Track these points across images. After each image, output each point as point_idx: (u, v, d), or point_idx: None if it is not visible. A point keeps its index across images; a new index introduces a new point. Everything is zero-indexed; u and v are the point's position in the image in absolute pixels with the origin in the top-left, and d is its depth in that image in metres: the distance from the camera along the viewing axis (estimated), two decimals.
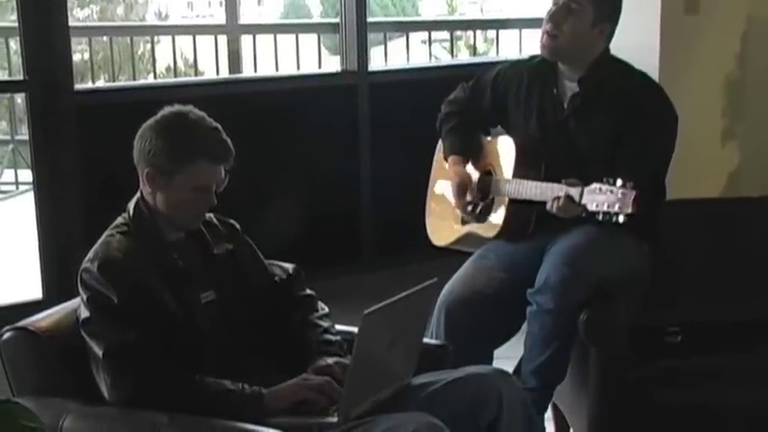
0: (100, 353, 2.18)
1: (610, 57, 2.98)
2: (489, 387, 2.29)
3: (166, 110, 2.32)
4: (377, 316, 2.09)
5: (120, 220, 2.35)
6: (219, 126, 2.31)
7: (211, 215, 2.43)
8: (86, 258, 2.27)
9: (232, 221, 2.50)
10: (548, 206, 2.76)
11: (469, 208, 3.07)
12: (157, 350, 2.19)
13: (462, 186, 3.06)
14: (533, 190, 2.86)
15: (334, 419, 2.14)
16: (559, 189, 2.72)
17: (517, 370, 2.97)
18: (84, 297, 2.24)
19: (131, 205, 2.34)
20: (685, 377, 2.83)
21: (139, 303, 2.20)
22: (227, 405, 2.17)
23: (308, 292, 2.54)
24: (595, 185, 2.62)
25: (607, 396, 2.77)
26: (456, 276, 3.04)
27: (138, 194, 2.35)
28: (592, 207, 2.61)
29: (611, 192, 2.58)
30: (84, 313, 2.23)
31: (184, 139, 2.27)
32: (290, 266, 2.56)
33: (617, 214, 2.56)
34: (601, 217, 2.60)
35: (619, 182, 2.57)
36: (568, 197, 2.68)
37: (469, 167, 3.11)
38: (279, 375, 2.30)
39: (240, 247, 2.47)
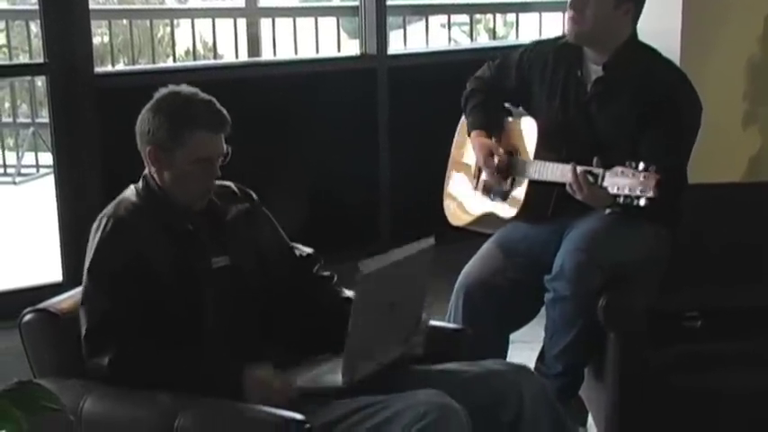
0: (83, 329, 2.23)
1: (636, 42, 2.95)
2: (509, 385, 2.28)
3: (159, 92, 2.36)
4: (374, 276, 2.09)
5: (131, 186, 2.38)
6: (214, 99, 2.34)
7: (231, 183, 2.46)
8: (100, 215, 2.31)
9: (250, 191, 2.53)
10: (567, 187, 2.75)
11: (497, 175, 3.05)
12: (137, 324, 2.20)
13: (489, 152, 3.04)
14: (555, 171, 2.85)
15: (338, 381, 2.15)
16: (580, 170, 2.70)
17: (541, 356, 2.98)
18: (90, 255, 2.27)
19: (141, 178, 2.38)
20: (704, 362, 2.82)
21: (138, 269, 2.22)
22: (203, 377, 2.19)
23: (328, 273, 2.56)
24: (618, 168, 2.60)
25: (625, 381, 2.76)
26: (474, 259, 3.04)
27: (146, 170, 2.38)
28: (613, 190, 2.59)
29: (633, 175, 2.56)
30: (86, 266, 2.28)
31: (180, 113, 2.30)
32: (308, 250, 2.58)
33: (638, 198, 2.55)
34: (622, 200, 2.58)
35: (641, 165, 2.55)
36: (588, 173, 2.67)
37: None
38: (287, 353, 2.33)
39: (256, 212, 2.50)
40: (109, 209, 2.33)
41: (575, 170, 2.70)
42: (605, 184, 2.63)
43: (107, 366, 2.18)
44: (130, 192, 2.37)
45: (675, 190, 2.78)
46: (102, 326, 2.21)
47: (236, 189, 2.49)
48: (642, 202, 2.55)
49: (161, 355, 2.21)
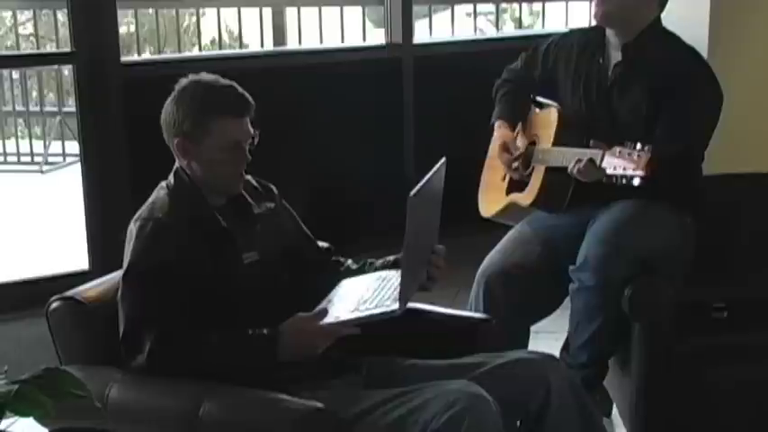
0: (121, 328, 2.22)
1: (660, 28, 2.94)
2: (536, 374, 2.28)
3: (180, 82, 2.37)
4: (419, 196, 2.14)
5: (163, 183, 2.38)
6: (235, 83, 2.35)
7: (250, 177, 2.45)
8: (135, 218, 2.31)
9: (271, 185, 2.53)
10: (569, 168, 2.74)
11: (514, 165, 3.04)
12: (173, 318, 2.19)
13: (505, 144, 3.05)
14: (565, 156, 2.85)
15: (396, 306, 2.17)
16: (584, 153, 2.70)
17: (566, 346, 2.97)
18: (129, 258, 2.26)
19: (171, 174, 2.38)
20: (731, 353, 2.80)
21: (175, 269, 2.22)
22: (241, 346, 2.20)
23: (342, 259, 2.59)
24: (616, 149, 2.59)
25: (651, 372, 2.75)
26: (495, 249, 3.05)
27: (176, 165, 2.38)
28: (610, 170, 2.59)
29: (629, 154, 2.55)
30: (125, 268, 2.27)
31: (203, 101, 2.31)
32: (325, 245, 2.61)
33: (632, 177, 2.53)
34: (617, 180, 2.57)
35: (638, 145, 2.55)
36: (590, 160, 2.66)
37: (519, 137, 3.09)
38: None
39: (280, 208, 2.51)
40: (144, 212, 2.31)
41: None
42: (604, 164, 2.62)
43: (146, 357, 2.17)
44: (162, 191, 2.36)
45: (680, 172, 2.76)
46: (138, 324, 2.20)
47: (256, 184, 2.49)
48: (636, 181, 2.53)
49: (198, 334, 2.20)
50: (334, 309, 2.28)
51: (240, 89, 2.34)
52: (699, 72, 2.88)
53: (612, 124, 2.91)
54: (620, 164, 2.56)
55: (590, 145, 2.68)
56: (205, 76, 2.36)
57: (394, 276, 2.38)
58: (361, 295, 2.31)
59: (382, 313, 2.19)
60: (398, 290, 2.20)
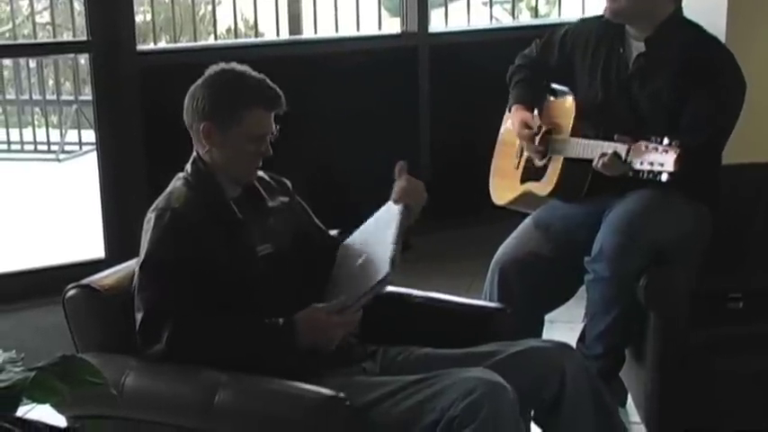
0: (138, 318, 2.22)
1: (680, 18, 2.92)
2: (551, 362, 2.29)
3: (211, 69, 2.36)
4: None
5: (180, 174, 2.39)
6: (265, 77, 2.35)
7: (263, 173, 2.46)
8: (152, 208, 2.31)
9: (285, 179, 2.54)
10: (594, 163, 2.73)
11: (536, 141, 3.02)
12: (191, 306, 2.20)
13: (525, 123, 3.03)
14: (585, 148, 2.84)
15: (384, 272, 2.24)
16: (608, 146, 2.70)
17: (582, 337, 2.97)
18: (146, 248, 2.27)
19: (189, 163, 2.38)
20: (746, 344, 2.79)
21: (193, 259, 2.22)
22: (258, 332, 2.22)
23: None
24: (642, 143, 2.59)
25: (666, 362, 2.75)
26: (511, 237, 3.05)
27: (195, 154, 2.38)
28: (637, 165, 2.59)
29: (657, 150, 2.56)
30: (142, 258, 2.28)
31: (237, 89, 2.31)
32: (334, 232, 2.61)
33: (660, 173, 2.53)
34: (645, 175, 2.57)
35: (665, 140, 2.54)
36: (615, 154, 2.65)
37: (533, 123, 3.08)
38: None
39: (293, 202, 2.52)
40: (161, 202, 2.32)
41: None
42: (630, 158, 2.62)
43: (165, 345, 2.17)
44: (179, 181, 2.36)
45: (708, 164, 2.75)
46: (155, 314, 2.20)
47: (269, 179, 2.49)
48: (664, 177, 2.54)
49: (215, 321, 2.22)
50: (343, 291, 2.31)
51: (271, 83, 2.34)
52: (722, 61, 2.87)
53: (631, 114, 2.90)
54: (647, 159, 2.56)
55: (614, 139, 2.68)
56: (238, 66, 2.36)
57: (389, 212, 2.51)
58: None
59: (378, 284, 2.24)
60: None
